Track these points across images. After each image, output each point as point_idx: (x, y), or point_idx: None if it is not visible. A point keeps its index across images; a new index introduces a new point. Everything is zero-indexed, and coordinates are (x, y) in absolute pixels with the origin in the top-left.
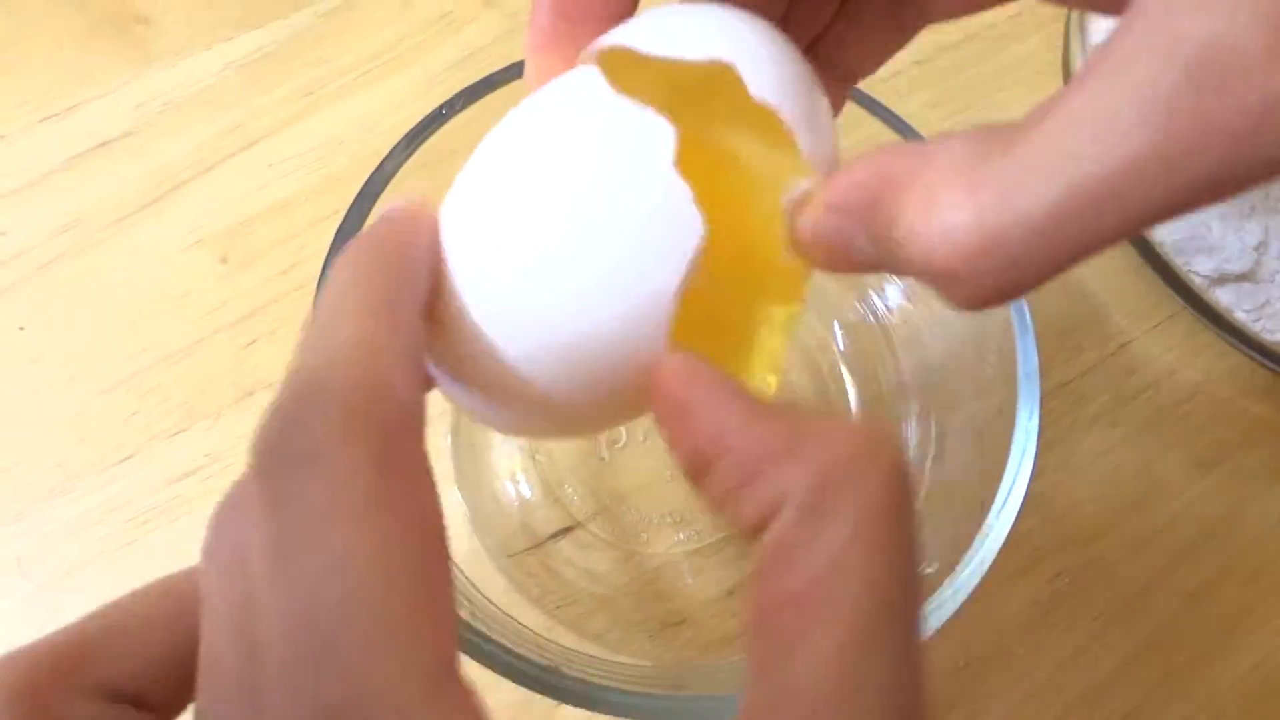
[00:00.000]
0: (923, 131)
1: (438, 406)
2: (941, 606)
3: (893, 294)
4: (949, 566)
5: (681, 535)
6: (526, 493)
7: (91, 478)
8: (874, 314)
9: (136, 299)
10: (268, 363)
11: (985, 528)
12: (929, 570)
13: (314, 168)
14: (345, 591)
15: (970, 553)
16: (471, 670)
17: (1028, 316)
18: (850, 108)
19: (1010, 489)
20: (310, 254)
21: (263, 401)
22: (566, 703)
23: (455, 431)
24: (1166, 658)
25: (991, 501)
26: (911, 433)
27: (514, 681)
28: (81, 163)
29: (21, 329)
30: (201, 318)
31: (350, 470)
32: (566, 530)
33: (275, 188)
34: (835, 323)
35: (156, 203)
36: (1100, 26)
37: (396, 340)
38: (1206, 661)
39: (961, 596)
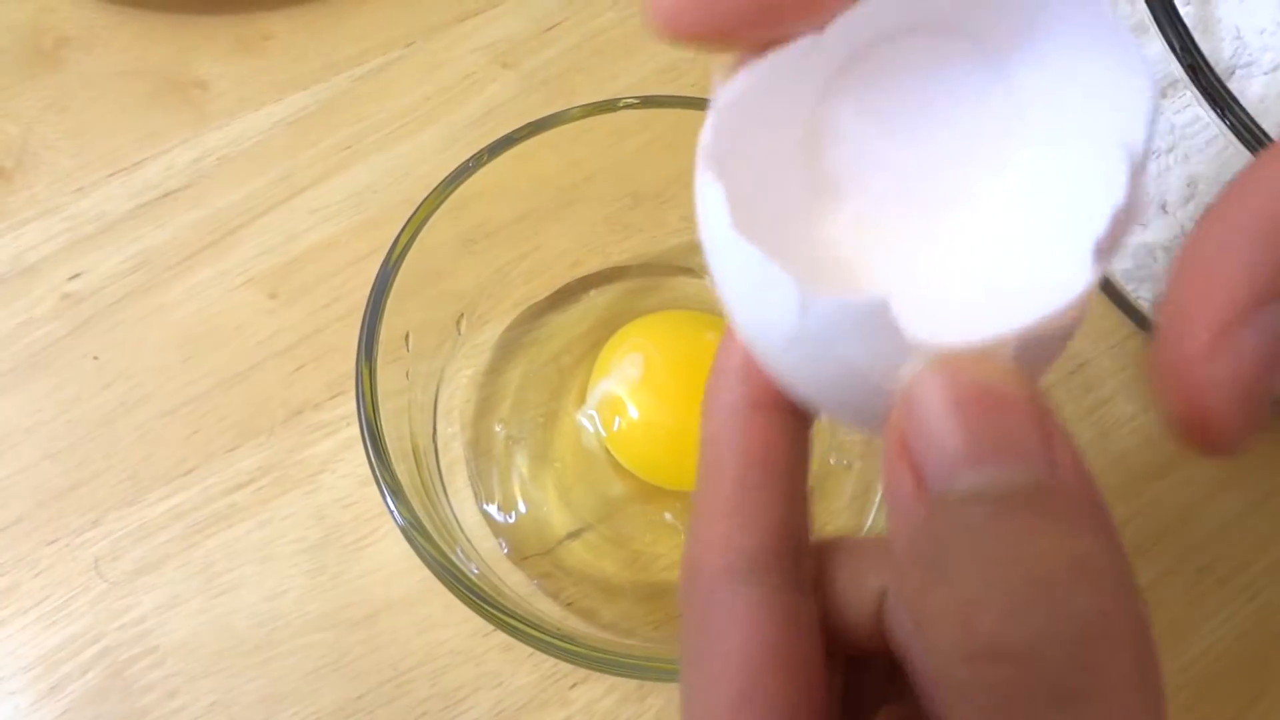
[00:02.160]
0: None
1: (453, 424)
2: None
3: None
4: None
5: (684, 539)
6: (539, 497)
7: (158, 489)
8: None
9: (196, 331)
10: (313, 385)
11: None
12: None
13: (351, 213)
14: None
15: None
16: (490, 652)
17: None
18: None
19: None
20: (350, 289)
21: (309, 420)
22: (580, 666)
23: (472, 445)
24: None
25: None
26: None
27: (531, 646)
28: (147, 212)
29: (95, 359)
30: (253, 347)
31: None
32: (577, 533)
33: (317, 231)
34: None
35: (213, 245)
36: None
37: None
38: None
39: None
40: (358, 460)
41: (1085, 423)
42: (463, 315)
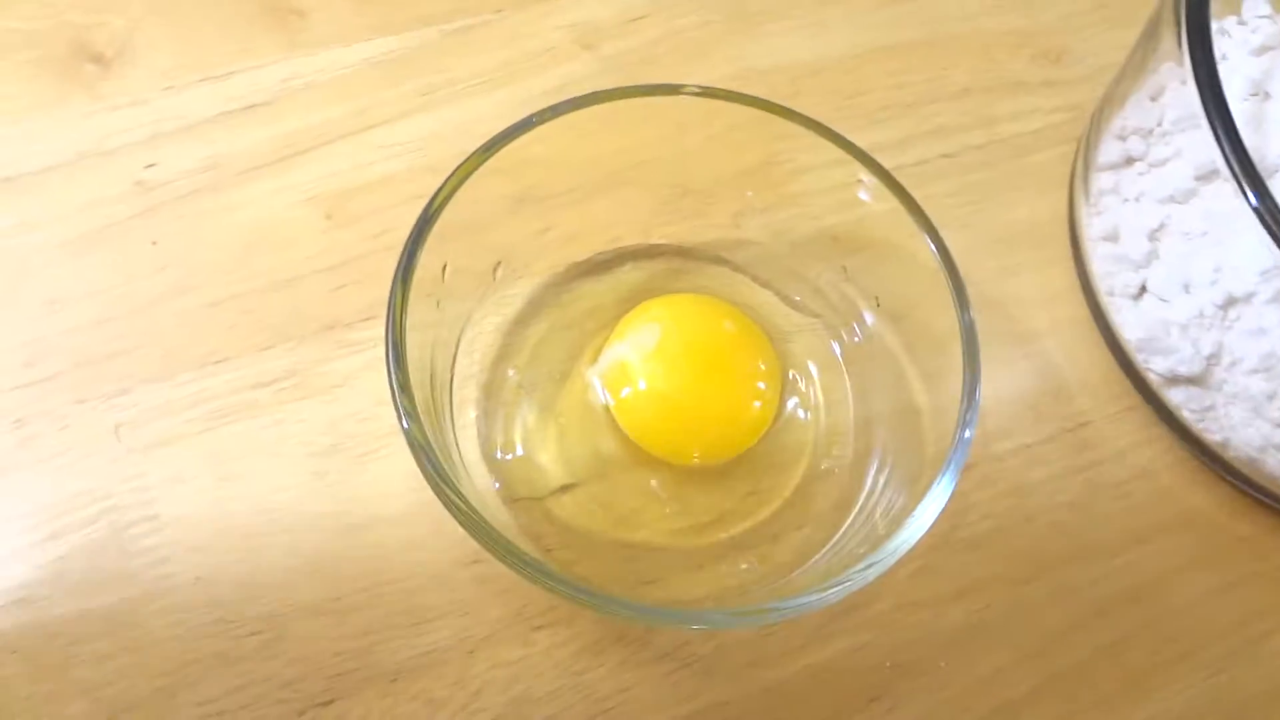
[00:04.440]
0: (936, 215)
1: (473, 365)
2: None
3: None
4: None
5: (669, 510)
6: (539, 447)
7: (189, 372)
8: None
9: (252, 237)
10: (350, 305)
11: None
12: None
13: (415, 155)
14: None
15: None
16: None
17: (978, 394)
18: (876, 186)
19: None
20: (401, 224)
21: (339, 336)
22: (550, 590)
23: (485, 387)
24: (1072, 697)
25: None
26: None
27: (515, 570)
28: (228, 119)
29: (154, 243)
30: (302, 260)
31: None
32: (569, 487)
33: (381, 166)
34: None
35: (282, 161)
36: (1111, 149)
37: None
38: (1107, 708)
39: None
40: (378, 380)
41: (1075, 479)
42: (500, 263)
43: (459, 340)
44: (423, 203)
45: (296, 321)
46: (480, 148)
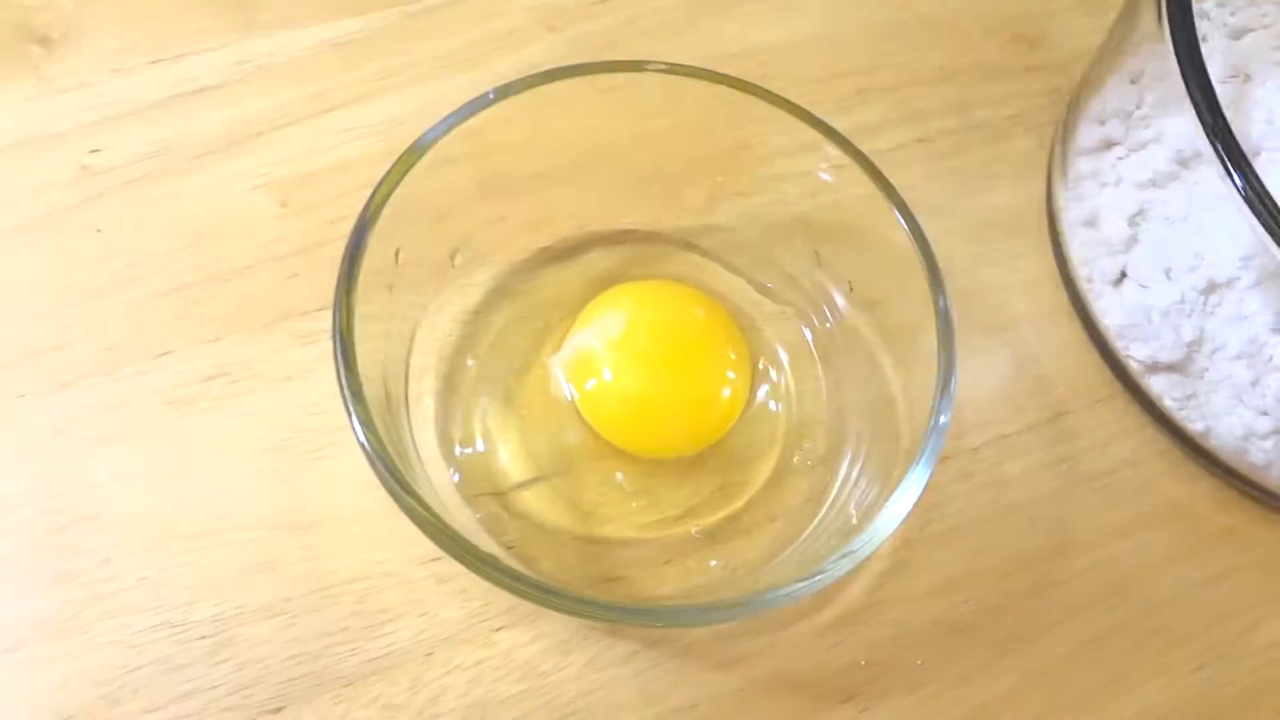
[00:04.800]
0: (911, 201)
1: (430, 356)
2: None
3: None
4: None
5: (635, 504)
6: (499, 439)
7: (134, 365)
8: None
9: (202, 224)
10: (304, 295)
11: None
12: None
13: (375, 139)
14: None
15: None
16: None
17: (954, 379)
18: (851, 169)
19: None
20: (359, 210)
21: (293, 327)
22: (511, 590)
23: (444, 378)
24: (1052, 695)
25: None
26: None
27: (473, 570)
28: (178, 103)
29: (99, 231)
30: (254, 248)
31: None
32: (530, 482)
33: (339, 151)
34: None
35: (235, 146)
36: (1089, 133)
37: None
38: (1090, 705)
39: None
40: (332, 372)
41: (1053, 471)
42: (458, 250)
43: (415, 331)
44: None
45: (247, 312)
46: (431, 129)
